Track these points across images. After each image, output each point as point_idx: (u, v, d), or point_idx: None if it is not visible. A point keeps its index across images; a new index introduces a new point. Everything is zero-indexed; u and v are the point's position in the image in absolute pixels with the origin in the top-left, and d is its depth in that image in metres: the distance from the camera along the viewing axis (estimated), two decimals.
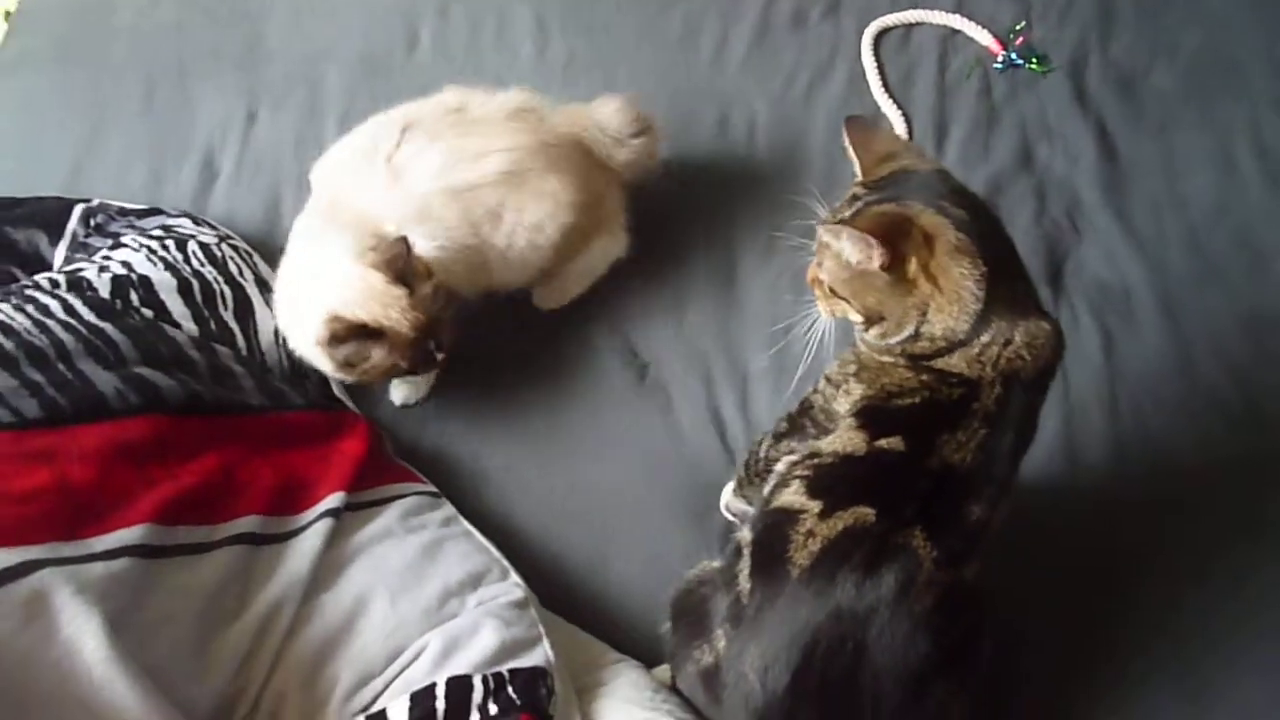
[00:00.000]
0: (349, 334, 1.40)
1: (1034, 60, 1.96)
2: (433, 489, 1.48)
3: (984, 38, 1.99)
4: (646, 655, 1.38)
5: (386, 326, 1.40)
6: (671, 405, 1.63)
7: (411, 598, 1.28)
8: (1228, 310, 1.71)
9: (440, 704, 1.16)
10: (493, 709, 1.16)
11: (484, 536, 1.42)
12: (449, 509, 1.45)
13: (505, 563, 1.38)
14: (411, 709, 1.16)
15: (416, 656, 1.22)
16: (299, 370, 1.54)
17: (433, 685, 1.17)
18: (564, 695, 1.23)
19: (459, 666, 1.20)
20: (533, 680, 1.20)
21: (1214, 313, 1.71)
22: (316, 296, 1.42)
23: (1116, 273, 1.75)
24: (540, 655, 1.25)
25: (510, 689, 1.18)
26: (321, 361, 1.45)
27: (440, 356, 1.49)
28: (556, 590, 1.45)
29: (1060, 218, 1.80)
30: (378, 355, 1.42)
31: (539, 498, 1.55)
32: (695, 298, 1.73)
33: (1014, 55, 1.97)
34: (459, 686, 1.18)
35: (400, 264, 1.40)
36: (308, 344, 1.44)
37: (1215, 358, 1.66)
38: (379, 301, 1.39)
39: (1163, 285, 1.73)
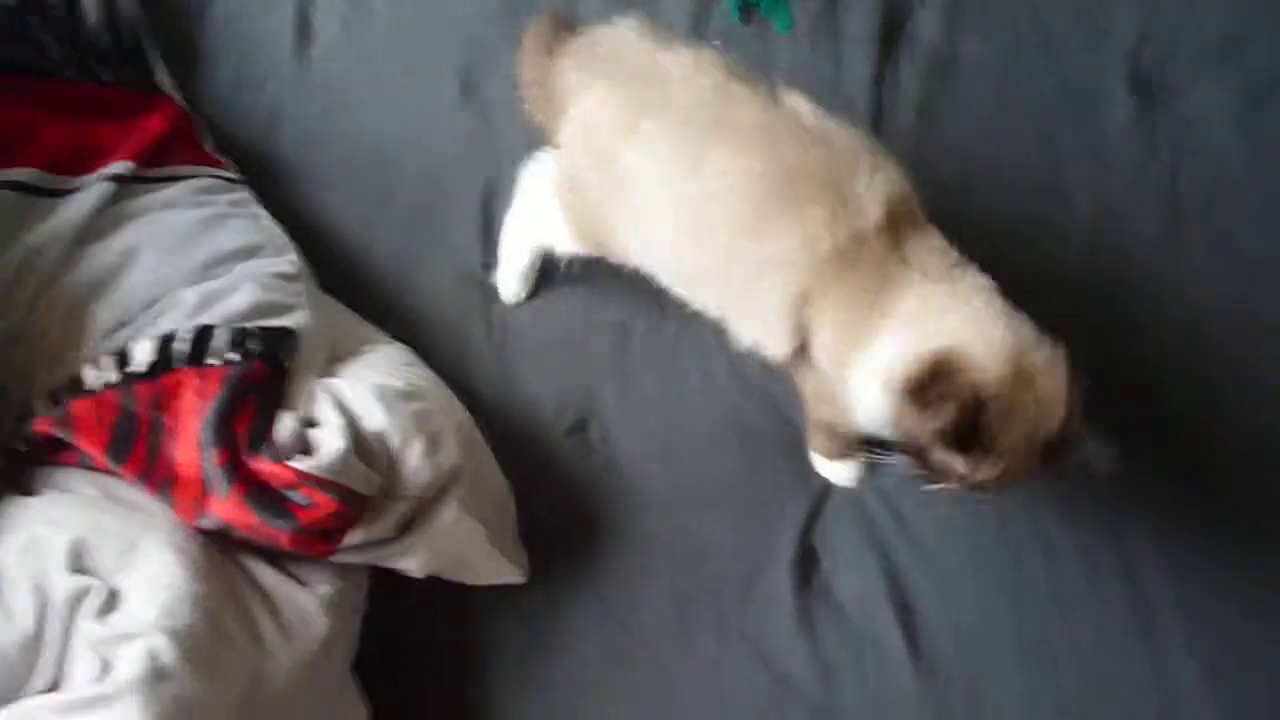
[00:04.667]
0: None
1: None
2: (237, 176, 1.53)
3: None
4: None
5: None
6: None
7: (179, 257, 1.34)
8: (1050, 76, 1.72)
9: (183, 347, 1.24)
10: (231, 356, 1.24)
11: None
12: (245, 194, 1.50)
13: (286, 242, 1.44)
14: (156, 349, 1.24)
15: (173, 307, 1.30)
16: (123, 52, 1.56)
17: (176, 331, 1.25)
18: (311, 358, 1.31)
19: (209, 319, 1.27)
20: (277, 338, 1.28)
21: (1037, 80, 1.72)
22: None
23: (949, 42, 1.75)
24: (293, 320, 1.32)
25: (252, 342, 1.26)
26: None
27: None
28: None
29: None
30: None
31: None
32: None
33: None
34: (203, 334, 1.25)
35: None
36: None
37: (1026, 124, 1.69)
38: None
39: (988, 53, 1.74)
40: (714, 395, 1.51)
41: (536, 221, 1.45)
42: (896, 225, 1.16)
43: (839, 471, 1.45)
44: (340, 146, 1.66)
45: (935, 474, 1.14)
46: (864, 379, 1.16)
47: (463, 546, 1.31)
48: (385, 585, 1.32)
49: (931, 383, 1.08)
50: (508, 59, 1.61)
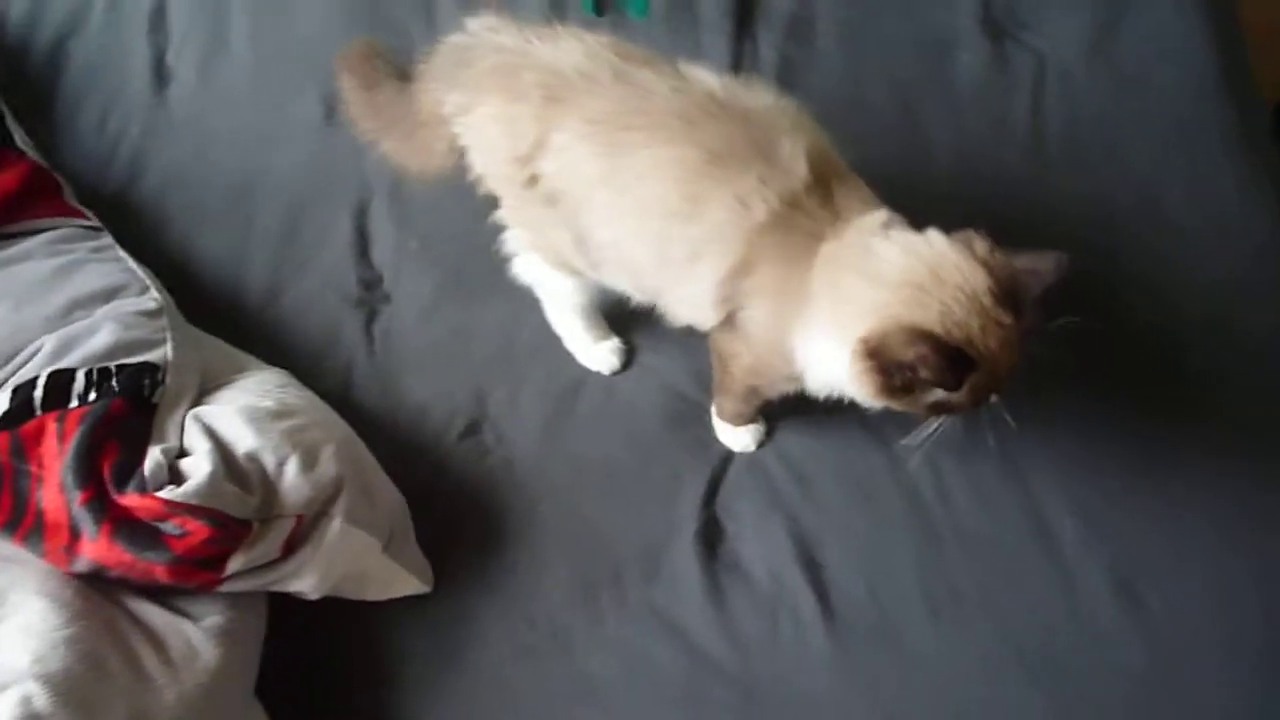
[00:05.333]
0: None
1: None
2: (98, 224, 1.51)
3: None
4: None
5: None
6: None
7: (36, 305, 1.32)
8: (905, 29, 1.74)
9: (39, 394, 1.22)
10: (91, 397, 1.22)
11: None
12: (107, 239, 1.49)
13: (149, 281, 1.42)
14: (12, 399, 1.21)
15: (32, 356, 1.28)
16: None
17: (35, 378, 1.23)
18: (180, 391, 1.29)
19: (69, 362, 1.25)
20: (140, 374, 1.26)
21: (892, 34, 1.74)
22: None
23: (804, 6, 1.77)
24: (157, 355, 1.30)
25: (114, 381, 1.24)
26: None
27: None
28: None
29: None
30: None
31: None
32: None
33: None
34: (61, 379, 1.23)
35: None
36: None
37: (884, 79, 1.70)
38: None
39: (845, 14, 1.75)
40: (600, 381, 1.50)
41: (545, 284, 1.43)
42: (824, 179, 1.16)
43: (742, 438, 1.44)
44: (206, 184, 1.66)
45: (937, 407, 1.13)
46: (817, 338, 1.15)
47: (356, 560, 1.29)
48: (290, 608, 1.30)
49: (893, 340, 1.06)
50: None
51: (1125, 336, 1.48)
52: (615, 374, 1.49)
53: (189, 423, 1.25)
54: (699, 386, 1.45)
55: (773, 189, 1.13)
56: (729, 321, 1.23)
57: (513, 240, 1.38)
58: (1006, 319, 1.07)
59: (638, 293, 1.31)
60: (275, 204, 1.62)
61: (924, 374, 1.06)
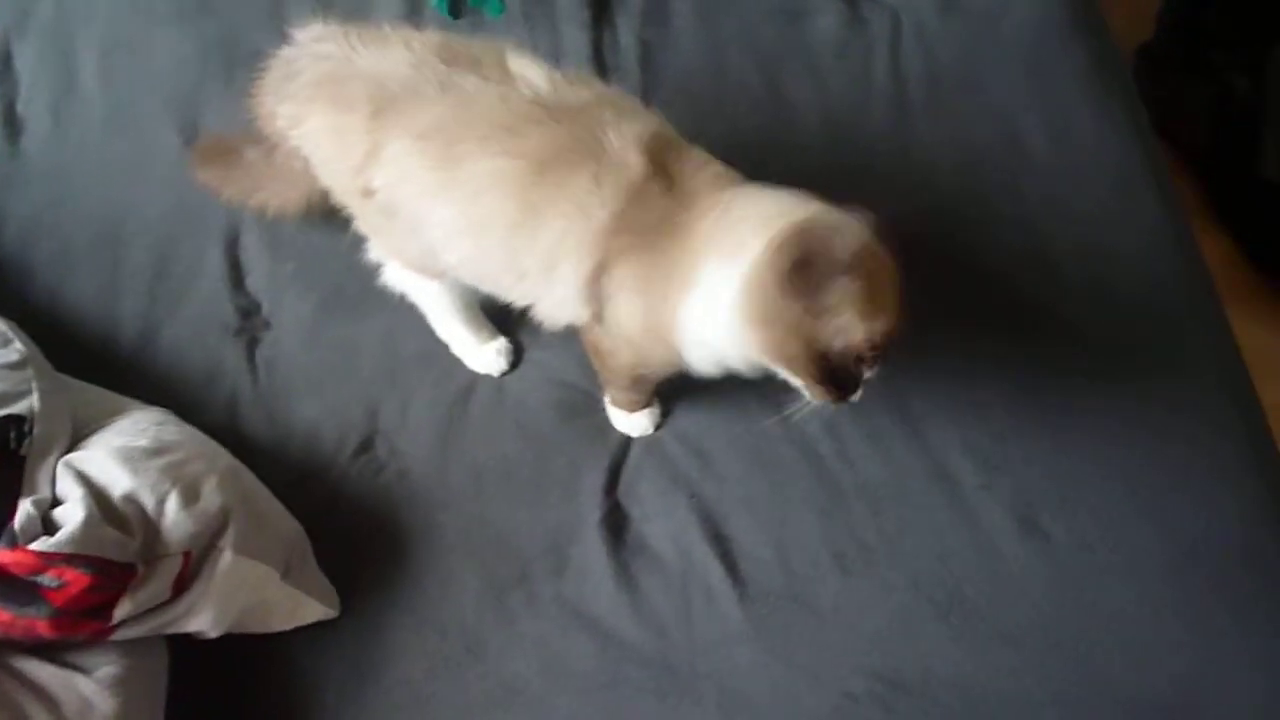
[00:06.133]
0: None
1: None
2: None
3: None
4: None
5: None
6: None
7: None
8: (756, 7, 1.75)
9: None
10: None
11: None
12: None
13: (11, 334, 1.38)
14: None
15: None
16: None
17: None
18: (50, 440, 1.26)
19: None
20: (3, 426, 1.22)
21: (744, 12, 1.75)
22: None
23: None
24: (22, 407, 1.26)
25: None
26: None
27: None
28: None
29: None
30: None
31: None
32: None
33: None
34: None
35: None
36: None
37: (745, 52, 1.71)
38: None
39: None
40: (490, 383, 1.49)
41: (415, 290, 1.42)
42: (662, 162, 1.15)
43: (639, 423, 1.43)
44: (70, 229, 1.61)
45: (837, 376, 1.11)
46: (702, 315, 1.14)
47: (255, 592, 1.26)
48: (195, 649, 1.27)
49: (805, 262, 1.03)
50: (222, 102, 1.60)
51: (1000, 274, 1.50)
52: (504, 375, 1.48)
53: (60, 470, 1.21)
54: (588, 376, 1.44)
55: (609, 188, 1.12)
56: (597, 318, 1.23)
57: (374, 250, 1.37)
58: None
59: (506, 298, 1.30)
60: (143, 242, 1.58)
61: (853, 274, 1.03)
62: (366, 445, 1.45)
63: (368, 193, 1.23)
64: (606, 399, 1.44)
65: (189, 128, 1.67)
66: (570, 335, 1.37)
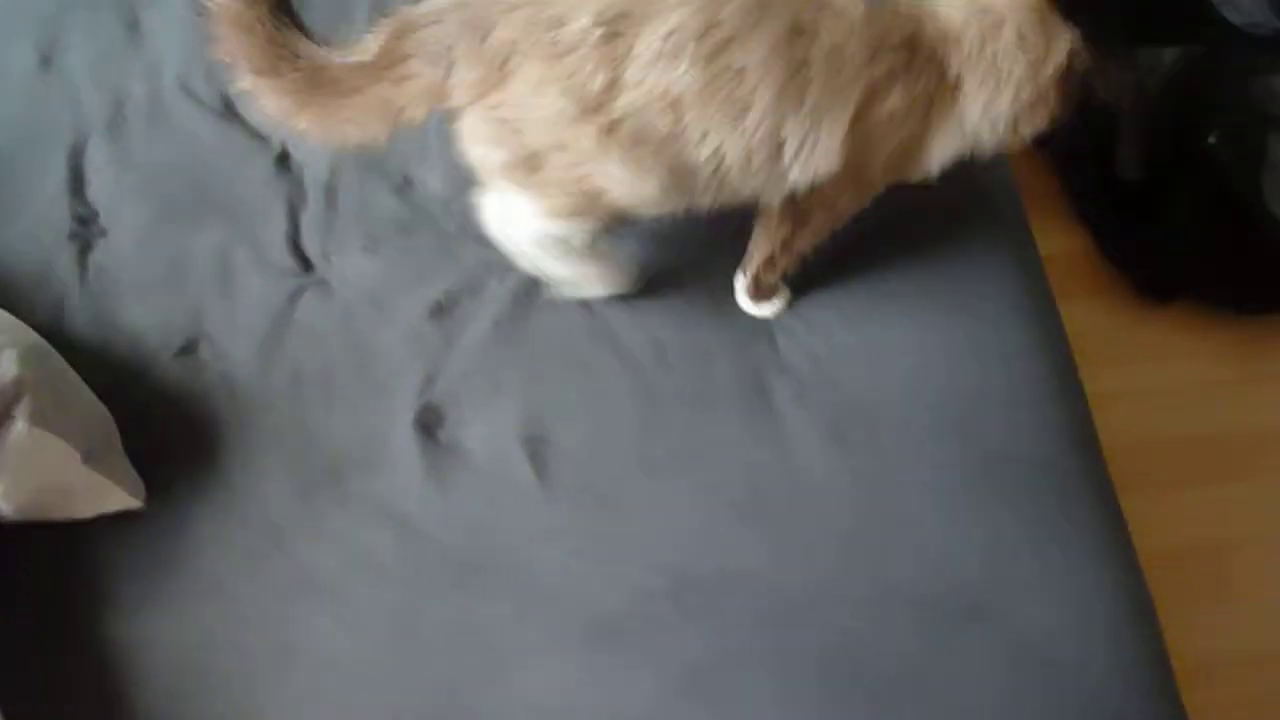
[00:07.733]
0: None
1: None
2: None
3: None
4: None
5: None
6: None
7: None
8: None
9: None
10: None
11: None
12: None
13: None
14: None
15: None
16: None
17: None
18: None
19: None
20: None
21: None
22: None
23: None
24: None
25: None
26: None
27: None
28: None
29: None
30: None
31: None
32: None
33: None
34: None
35: None
36: None
37: None
38: None
39: None
40: (318, 291, 1.50)
41: (521, 230, 1.33)
42: None
43: (776, 305, 1.47)
44: None
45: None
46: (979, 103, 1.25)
47: (54, 471, 1.26)
48: None
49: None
50: (84, 32, 1.66)
51: None
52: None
53: None
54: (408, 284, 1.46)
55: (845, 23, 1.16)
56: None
57: (529, 217, 1.30)
58: None
59: (718, 198, 1.26)
60: None
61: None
62: (190, 347, 1.46)
63: (610, 128, 1.14)
64: (745, 290, 1.45)
65: (44, 45, 1.68)
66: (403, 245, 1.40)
